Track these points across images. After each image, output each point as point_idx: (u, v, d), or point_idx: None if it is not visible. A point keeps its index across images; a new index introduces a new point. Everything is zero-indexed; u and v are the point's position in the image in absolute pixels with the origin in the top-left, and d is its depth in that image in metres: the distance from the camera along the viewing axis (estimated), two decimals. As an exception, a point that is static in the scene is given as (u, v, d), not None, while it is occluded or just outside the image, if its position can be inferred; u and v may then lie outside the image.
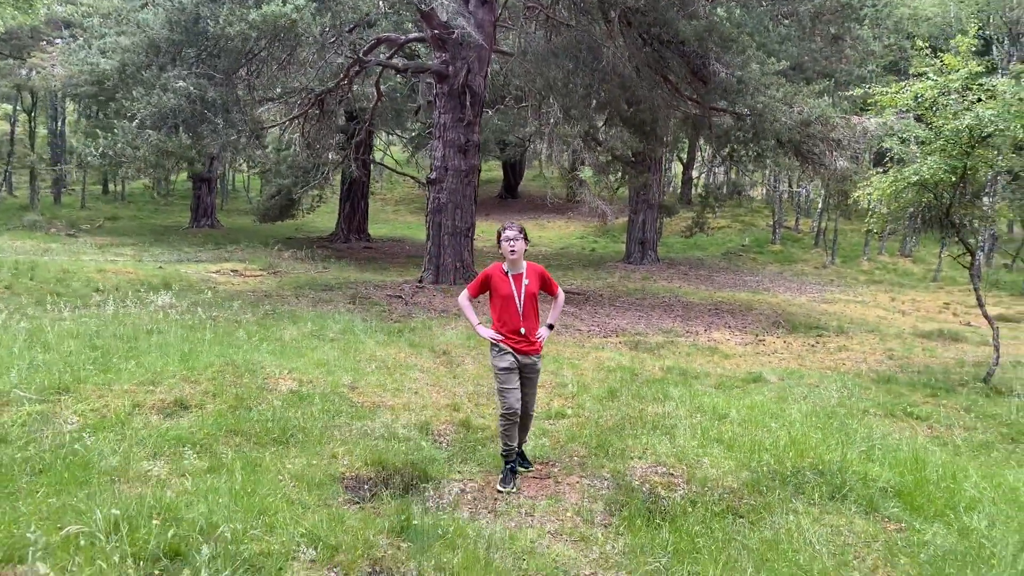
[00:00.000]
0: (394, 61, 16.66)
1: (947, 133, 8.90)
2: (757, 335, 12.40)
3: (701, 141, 27.03)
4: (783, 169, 20.35)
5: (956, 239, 9.79)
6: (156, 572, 2.95)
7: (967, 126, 8.56)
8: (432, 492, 4.61)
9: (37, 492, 3.73)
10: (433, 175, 15.51)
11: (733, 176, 18.16)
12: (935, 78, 9.10)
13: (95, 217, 29.30)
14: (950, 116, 8.86)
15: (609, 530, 4.27)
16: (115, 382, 5.82)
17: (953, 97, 9.03)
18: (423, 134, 29.09)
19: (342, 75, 14.45)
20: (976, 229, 10.40)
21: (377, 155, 31.26)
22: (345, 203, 26.56)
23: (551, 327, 5.24)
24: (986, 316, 9.64)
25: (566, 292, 16.82)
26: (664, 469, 5.07)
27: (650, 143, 15.24)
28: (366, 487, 4.47)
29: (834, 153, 13.57)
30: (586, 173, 23.63)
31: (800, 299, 18.30)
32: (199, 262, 18.02)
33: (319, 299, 13.04)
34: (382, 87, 16.95)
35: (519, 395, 4.96)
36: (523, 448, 5.35)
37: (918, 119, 9.71)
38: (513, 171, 39.41)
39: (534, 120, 16.32)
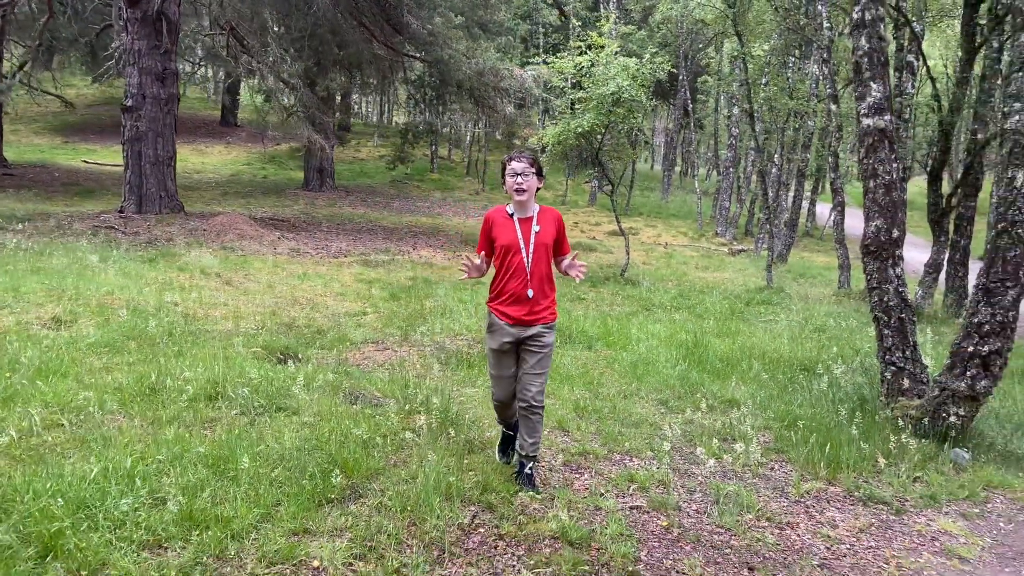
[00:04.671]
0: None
1: (597, 96, 12.21)
2: (454, 251, 15.12)
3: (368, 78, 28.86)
4: (464, 112, 23.28)
5: (601, 173, 13.39)
6: (219, 405, 4.37)
7: (611, 92, 11.92)
8: (314, 361, 6.28)
9: (59, 374, 4.68)
10: (129, 103, 15.27)
11: (426, 115, 20.50)
12: (589, 53, 12.32)
13: None
14: (600, 83, 12.15)
15: (446, 373, 6.43)
16: (-32, 308, 6.26)
17: (601, 68, 12.34)
18: (51, 47, 26.25)
19: (19, -10, 13.47)
20: (614, 167, 14.18)
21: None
22: (-29, 125, 23.36)
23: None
24: (621, 231, 13.47)
25: (264, 220, 17.99)
26: (462, 337, 7.35)
27: (353, 82, 16.80)
28: (274, 360, 5.98)
29: (504, 100, 16.60)
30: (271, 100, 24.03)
31: (470, 221, 21.59)
32: None
33: (21, 231, 12.56)
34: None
35: (510, 383, 3.92)
36: (527, 465, 3.93)
37: (576, 85, 12.89)
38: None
39: (238, 53, 16.67)
